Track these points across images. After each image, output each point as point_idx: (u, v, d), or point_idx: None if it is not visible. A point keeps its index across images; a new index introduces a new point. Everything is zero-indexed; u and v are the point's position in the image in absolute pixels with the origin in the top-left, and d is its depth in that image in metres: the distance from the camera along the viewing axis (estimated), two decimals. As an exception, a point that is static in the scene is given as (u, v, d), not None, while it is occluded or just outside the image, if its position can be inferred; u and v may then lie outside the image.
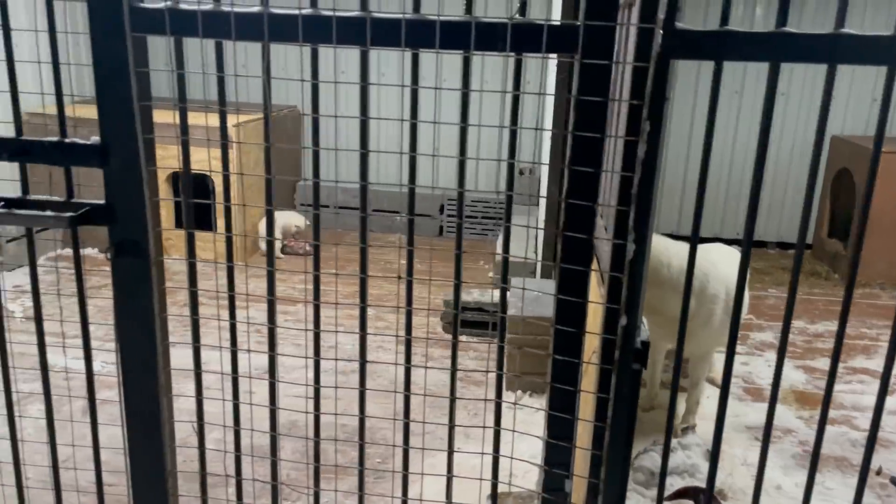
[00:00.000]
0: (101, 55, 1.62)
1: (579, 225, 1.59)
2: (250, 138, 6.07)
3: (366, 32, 1.54)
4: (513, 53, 1.53)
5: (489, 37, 1.51)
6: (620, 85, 1.56)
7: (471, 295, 4.83)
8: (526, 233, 6.00)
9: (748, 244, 1.61)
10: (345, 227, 7.07)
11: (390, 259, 6.76)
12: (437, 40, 1.52)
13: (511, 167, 1.67)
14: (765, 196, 6.89)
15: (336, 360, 2.01)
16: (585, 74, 1.50)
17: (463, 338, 4.74)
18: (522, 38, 1.51)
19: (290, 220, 6.50)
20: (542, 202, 5.97)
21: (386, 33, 1.54)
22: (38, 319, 1.92)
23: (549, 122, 5.33)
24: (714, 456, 1.77)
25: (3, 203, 1.76)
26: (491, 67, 6.45)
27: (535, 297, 4.23)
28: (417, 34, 1.53)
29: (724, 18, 1.50)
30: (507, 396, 3.97)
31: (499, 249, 5.55)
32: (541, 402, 3.95)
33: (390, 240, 7.12)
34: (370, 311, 5.30)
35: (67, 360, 4.17)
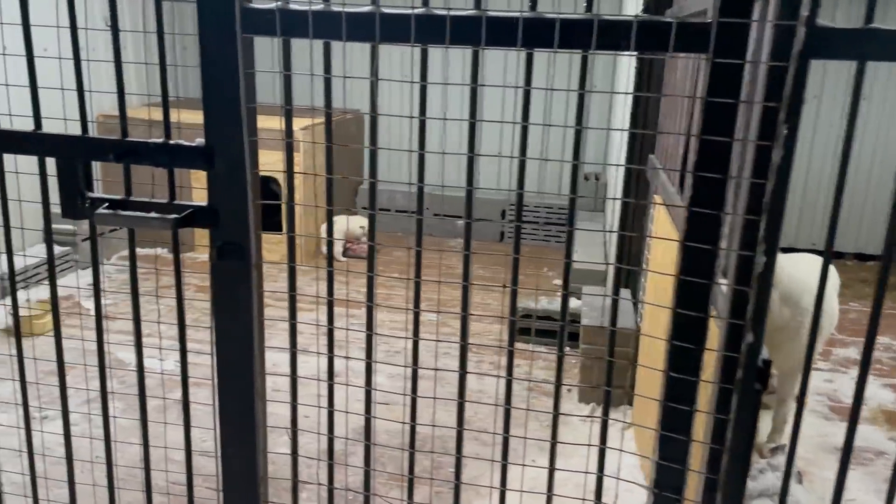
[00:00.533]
0: (211, 56, 1.60)
1: (703, 235, 1.50)
2: (318, 141, 6.11)
3: (480, 32, 1.48)
4: (636, 53, 1.45)
5: (612, 36, 1.44)
6: (760, 85, 1.46)
7: (539, 303, 4.74)
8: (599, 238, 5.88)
9: (888, 258, 1.50)
10: (406, 231, 7.06)
11: (450, 264, 6.72)
12: (555, 40, 1.46)
13: (629, 173, 1.59)
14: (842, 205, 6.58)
15: (436, 370, 1.95)
16: (716, 74, 1.41)
17: (530, 346, 4.65)
18: (647, 36, 1.43)
19: (353, 222, 6.52)
20: (612, 207, 5.84)
21: (501, 33, 1.48)
22: (137, 321, 1.92)
23: (617, 124, 5.20)
24: (838, 489, 1.65)
25: (107, 204, 1.77)
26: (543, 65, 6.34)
27: (609, 305, 4.11)
28: (535, 34, 1.47)
29: (869, 16, 1.40)
30: (581, 409, 3.87)
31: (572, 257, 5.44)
32: (615, 415, 3.83)
33: (450, 244, 7.08)
34: (433, 317, 5.25)
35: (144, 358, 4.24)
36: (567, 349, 4.63)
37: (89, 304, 5.08)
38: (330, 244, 1.81)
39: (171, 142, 1.71)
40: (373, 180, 1.68)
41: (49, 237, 1.93)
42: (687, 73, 3.11)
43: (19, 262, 5.06)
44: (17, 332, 2.09)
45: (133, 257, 1.88)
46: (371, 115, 1.64)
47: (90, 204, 1.76)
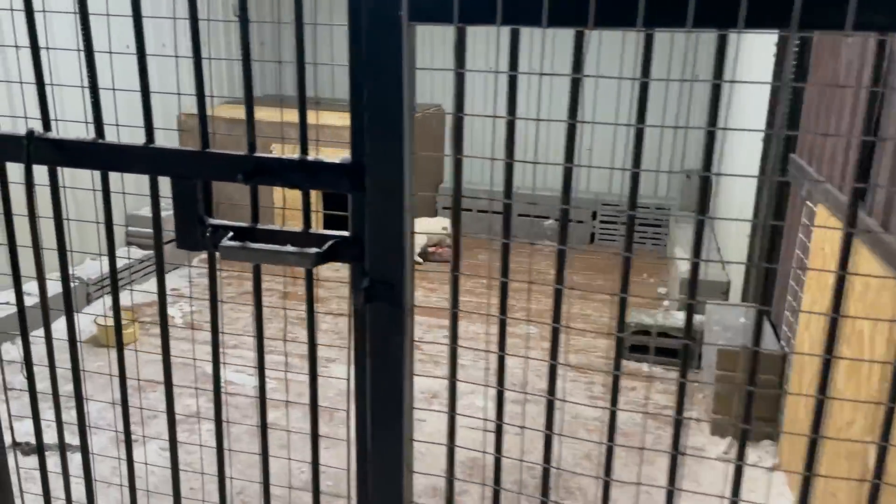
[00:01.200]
0: (365, 50, 1.27)
1: None
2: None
3: (739, 8, 1.10)
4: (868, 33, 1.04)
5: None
6: None
7: (651, 317, 4.31)
8: (706, 247, 5.38)
9: None
10: (491, 233, 6.69)
11: (540, 269, 6.32)
12: (742, 18, 1.06)
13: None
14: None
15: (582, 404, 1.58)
16: None
17: (645, 367, 4.23)
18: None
19: (436, 225, 6.20)
20: (724, 207, 5.34)
21: (762, 10, 1.10)
22: (261, 364, 1.62)
23: (732, 117, 4.71)
24: None
25: (231, 234, 1.46)
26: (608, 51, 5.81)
27: (740, 323, 3.67)
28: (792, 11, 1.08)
29: None
30: (715, 443, 3.44)
31: (682, 266, 4.97)
32: (758, 452, 3.38)
33: (537, 247, 6.69)
34: (532, 330, 4.88)
35: (228, 372, 4.01)
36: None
37: (171, 311, 4.90)
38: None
39: (310, 158, 1.39)
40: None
41: (160, 269, 1.64)
42: (855, 57, 2.65)
43: (100, 269, 4.93)
44: (119, 350, 1.78)
45: (258, 297, 1.57)
46: (570, 122, 1.27)
47: (211, 232, 1.46)
